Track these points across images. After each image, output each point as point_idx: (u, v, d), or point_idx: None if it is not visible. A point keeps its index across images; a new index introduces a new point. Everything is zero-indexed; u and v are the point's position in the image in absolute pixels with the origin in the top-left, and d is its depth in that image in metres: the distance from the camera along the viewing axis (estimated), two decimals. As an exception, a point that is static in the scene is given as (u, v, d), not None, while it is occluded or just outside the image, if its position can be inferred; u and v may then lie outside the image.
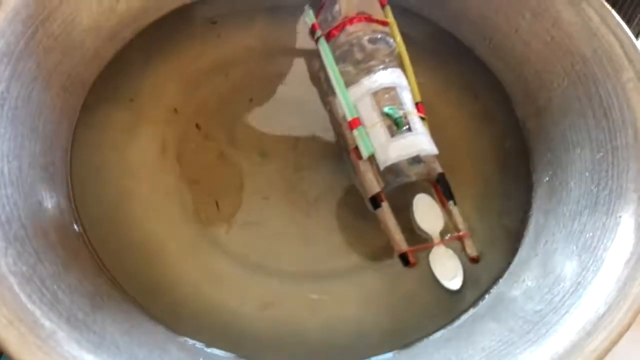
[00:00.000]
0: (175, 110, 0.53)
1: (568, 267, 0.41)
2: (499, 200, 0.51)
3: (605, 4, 0.50)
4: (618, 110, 0.45)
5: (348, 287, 0.46)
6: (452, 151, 0.53)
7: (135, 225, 0.47)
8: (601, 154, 0.45)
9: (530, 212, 0.50)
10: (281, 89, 0.56)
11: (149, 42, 0.57)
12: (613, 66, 0.47)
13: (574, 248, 0.42)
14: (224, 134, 0.53)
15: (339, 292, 0.46)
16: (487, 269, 0.47)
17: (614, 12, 0.49)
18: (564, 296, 0.40)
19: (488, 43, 0.58)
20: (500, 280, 0.46)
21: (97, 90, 0.53)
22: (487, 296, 0.46)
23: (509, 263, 0.47)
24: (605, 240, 0.40)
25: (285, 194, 0.50)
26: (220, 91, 0.55)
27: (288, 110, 0.55)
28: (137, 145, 0.51)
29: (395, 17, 0.53)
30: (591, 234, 0.42)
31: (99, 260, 0.44)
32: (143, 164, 0.50)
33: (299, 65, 0.58)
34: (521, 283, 0.44)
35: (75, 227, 0.45)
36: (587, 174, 0.46)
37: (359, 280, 0.47)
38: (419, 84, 0.51)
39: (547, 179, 0.50)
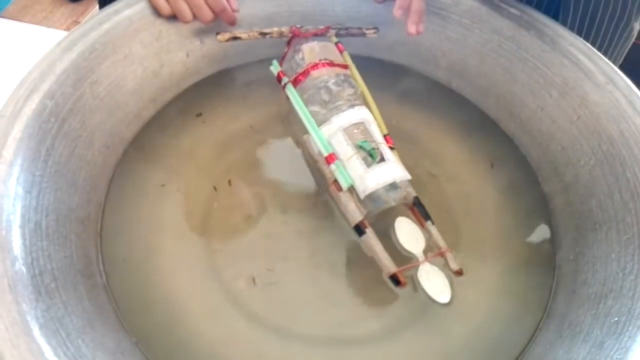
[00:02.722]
0: (206, 170, 0.55)
1: (592, 353, 0.40)
2: (524, 275, 0.50)
3: (633, 86, 0.50)
4: (645, 193, 0.45)
5: (369, 355, 0.46)
6: (476, 223, 0.54)
7: (160, 281, 0.48)
8: (628, 236, 0.45)
9: (556, 290, 0.49)
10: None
11: (187, 104, 0.60)
12: (641, 149, 0.47)
13: (599, 333, 0.41)
14: (250, 192, 0.54)
15: (359, 359, 0.46)
16: (509, 348, 0.46)
17: (641, 94, 0.50)
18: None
19: (514, 118, 0.59)
20: (522, 361, 0.45)
21: (135, 148, 0.56)
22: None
23: (533, 343, 0.46)
24: (630, 328, 0.39)
25: (309, 256, 0.51)
26: (248, 151, 0.57)
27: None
28: (168, 203, 0.53)
29: (423, 90, 0.55)
30: (616, 318, 0.41)
31: (121, 316, 0.45)
32: (173, 220, 0.52)
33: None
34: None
35: (102, 280, 0.47)
36: (613, 255, 0.45)
37: (381, 349, 0.46)
38: (444, 155, 0.52)
39: (572, 256, 0.49)
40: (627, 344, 0.38)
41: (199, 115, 0.59)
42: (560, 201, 0.54)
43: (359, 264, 0.50)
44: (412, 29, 0.55)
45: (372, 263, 0.49)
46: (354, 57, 0.57)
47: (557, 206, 0.54)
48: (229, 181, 0.54)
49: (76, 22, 1.06)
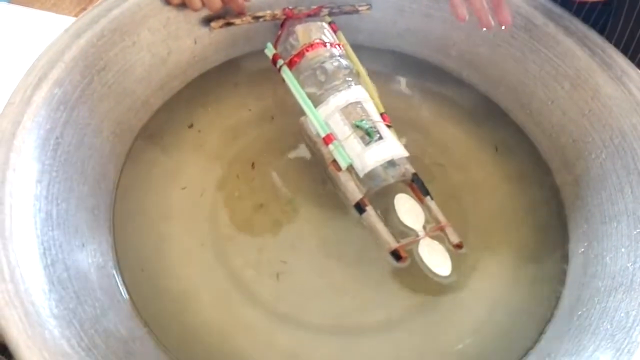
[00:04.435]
0: (215, 158, 0.55)
1: (602, 346, 0.40)
2: (533, 267, 0.51)
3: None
4: (657, 188, 0.45)
5: (377, 344, 0.46)
6: (486, 213, 0.54)
7: (170, 270, 0.48)
8: (638, 230, 0.45)
9: (565, 283, 0.49)
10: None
11: (195, 93, 0.59)
12: (653, 143, 0.47)
13: (608, 326, 0.41)
14: (259, 180, 0.54)
15: (367, 348, 0.46)
16: (518, 340, 0.46)
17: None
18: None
19: (524, 109, 0.59)
20: (532, 353, 0.45)
21: (144, 137, 0.55)
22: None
23: (541, 334, 0.47)
24: (640, 322, 0.39)
25: (318, 245, 0.51)
26: (255, 139, 0.57)
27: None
28: (177, 191, 0.52)
29: (435, 81, 0.54)
30: (626, 312, 0.41)
31: (132, 304, 0.45)
32: (182, 210, 0.51)
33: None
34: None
35: (114, 269, 0.47)
36: (623, 249, 0.45)
37: (389, 339, 0.46)
38: (453, 145, 0.51)
39: (582, 250, 0.50)
40: (637, 338, 0.39)
41: (206, 102, 0.59)
42: (570, 193, 0.54)
43: (368, 253, 0.50)
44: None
45: (380, 252, 0.49)
46: (363, 47, 0.56)
47: (567, 198, 0.54)
48: (252, 164, 0.54)
49: (85, 9, 1.05)
